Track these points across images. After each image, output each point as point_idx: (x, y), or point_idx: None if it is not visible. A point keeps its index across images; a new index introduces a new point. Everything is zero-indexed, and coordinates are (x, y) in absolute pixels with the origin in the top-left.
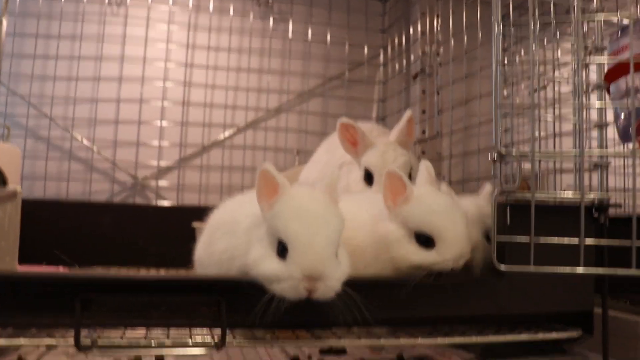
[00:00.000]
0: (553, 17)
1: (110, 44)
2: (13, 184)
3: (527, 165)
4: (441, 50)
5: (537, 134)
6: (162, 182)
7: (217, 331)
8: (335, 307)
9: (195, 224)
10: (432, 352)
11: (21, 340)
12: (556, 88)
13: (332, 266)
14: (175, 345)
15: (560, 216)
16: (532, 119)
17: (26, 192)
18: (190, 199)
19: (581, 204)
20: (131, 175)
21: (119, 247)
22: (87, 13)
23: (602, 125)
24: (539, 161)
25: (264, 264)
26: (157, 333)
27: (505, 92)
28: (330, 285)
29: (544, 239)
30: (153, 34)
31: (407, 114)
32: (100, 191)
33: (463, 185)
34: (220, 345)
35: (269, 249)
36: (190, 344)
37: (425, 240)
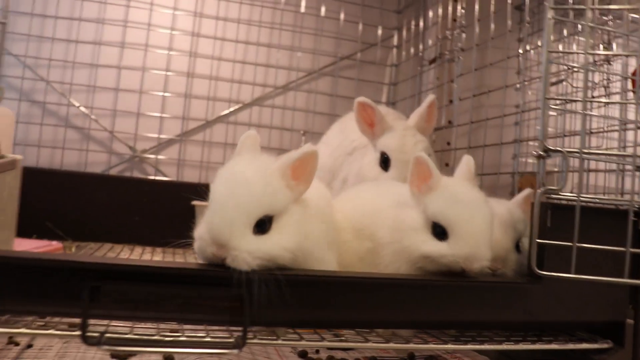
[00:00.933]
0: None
1: (113, 7)
2: (6, 151)
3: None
4: (463, 35)
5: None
6: (162, 156)
7: (235, 327)
8: None
9: (196, 202)
10: (442, 351)
11: (23, 330)
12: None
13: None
14: (190, 344)
15: (599, 220)
16: (583, 114)
17: None
18: (191, 176)
19: (629, 209)
20: (130, 147)
21: (114, 222)
22: None
23: None
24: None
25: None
26: (170, 327)
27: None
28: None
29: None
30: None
31: (430, 98)
32: (96, 162)
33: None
34: (241, 344)
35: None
36: (207, 341)
37: (440, 231)
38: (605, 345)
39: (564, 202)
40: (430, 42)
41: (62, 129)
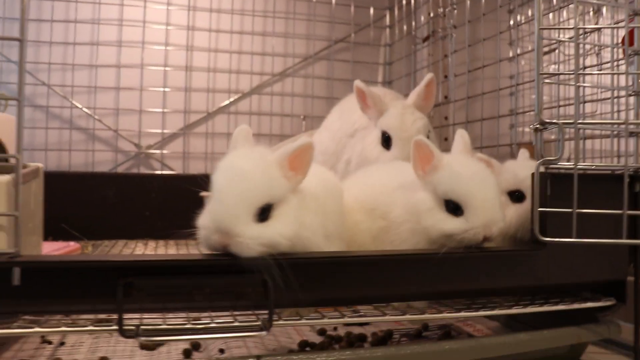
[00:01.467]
0: None
1: (108, 7)
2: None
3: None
4: (455, 12)
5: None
6: (167, 151)
7: (260, 311)
8: None
9: (204, 194)
10: (455, 320)
11: (63, 329)
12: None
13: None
14: (222, 329)
15: (597, 185)
16: (575, 86)
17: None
18: (196, 167)
19: (624, 173)
20: (135, 144)
21: (125, 219)
22: None
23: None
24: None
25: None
26: (200, 315)
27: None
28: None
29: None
30: None
31: (428, 76)
32: (103, 161)
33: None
34: (268, 326)
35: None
36: (236, 325)
37: (454, 207)
38: (608, 303)
39: (562, 170)
40: (422, 19)
41: (67, 131)
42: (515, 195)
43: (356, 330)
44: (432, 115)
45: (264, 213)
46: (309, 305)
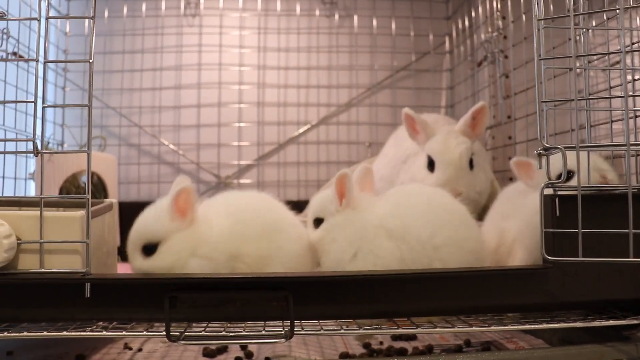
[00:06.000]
0: None
1: (188, 54)
2: (112, 190)
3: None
4: (510, 29)
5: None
6: (244, 180)
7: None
8: None
9: None
10: (499, 337)
11: (123, 333)
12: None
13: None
14: (250, 336)
15: (610, 205)
16: (576, 110)
17: (123, 195)
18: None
19: (629, 193)
20: (214, 175)
21: None
22: (166, 26)
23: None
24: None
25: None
26: (236, 325)
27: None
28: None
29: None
30: (226, 40)
31: (478, 105)
32: None
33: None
34: (289, 335)
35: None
36: (263, 334)
37: None
38: (634, 322)
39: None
40: (476, 43)
41: (156, 165)
42: None
43: (399, 344)
44: (494, 137)
45: (148, 249)
46: (330, 318)
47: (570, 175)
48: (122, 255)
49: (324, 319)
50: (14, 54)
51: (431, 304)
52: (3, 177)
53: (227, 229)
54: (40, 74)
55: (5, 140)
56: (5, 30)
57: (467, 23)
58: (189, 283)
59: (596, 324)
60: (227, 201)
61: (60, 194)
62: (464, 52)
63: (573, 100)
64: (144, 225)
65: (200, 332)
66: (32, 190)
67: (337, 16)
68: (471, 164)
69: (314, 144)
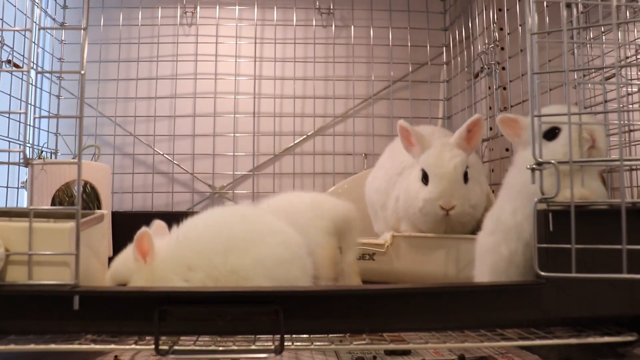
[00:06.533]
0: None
1: (184, 63)
2: (106, 199)
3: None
4: (507, 40)
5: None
6: (238, 190)
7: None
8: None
9: None
10: (494, 352)
11: (112, 346)
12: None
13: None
14: (240, 351)
15: (605, 220)
16: (569, 125)
17: (117, 204)
18: None
19: (622, 208)
20: (209, 185)
21: None
22: (162, 35)
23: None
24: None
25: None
26: (226, 339)
27: None
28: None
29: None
30: (222, 50)
31: (473, 118)
32: (181, 202)
33: None
34: (279, 350)
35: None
36: (253, 348)
37: None
38: (629, 338)
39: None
40: (473, 56)
41: (150, 175)
42: None
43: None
44: (491, 149)
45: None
46: (321, 332)
47: (556, 131)
48: None
49: (314, 334)
50: (9, 61)
51: (423, 319)
52: None
53: (170, 255)
54: (32, 84)
55: None
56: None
57: (464, 34)
58: (178, 296)
59: (590, 340)
60: (185, 224)
61: (52, 202)
62: (461, 63)
63: (566, 114)
64: (114, 268)
65: (190, 346)
66: (24, 199)
67: (333, 26)
68: (466, 177)
69: (310, 155)
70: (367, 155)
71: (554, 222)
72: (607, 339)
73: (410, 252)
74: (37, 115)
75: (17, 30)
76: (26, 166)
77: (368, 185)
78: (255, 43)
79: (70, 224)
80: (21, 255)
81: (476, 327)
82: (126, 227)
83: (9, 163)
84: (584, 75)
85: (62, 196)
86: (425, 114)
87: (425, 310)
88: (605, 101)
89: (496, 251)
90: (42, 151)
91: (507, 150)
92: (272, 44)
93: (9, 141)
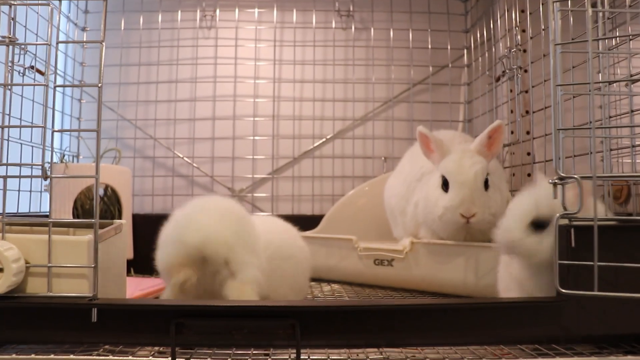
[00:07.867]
0: None
1: (204, 66)
2: (125, 208)
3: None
4: (530, 44)
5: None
6: (258, 194)
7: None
8: None
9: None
10: None
11: (129, 357)
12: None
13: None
14: None
15: (630, 236)
16: (592, 138)
17: (137, 207)
18: (284, 209)
19: None
20: (228, 188)
21: None
22: (182, 39)
23: None
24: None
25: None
26: (242, 351)
27: None
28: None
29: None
30: (242, 53)
31: (494, 124)
32: None
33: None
34: None
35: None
36: None
37: None
38: None
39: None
40: (495, 59)
41: (170, 178)
42: None
43: None
44: (513, 153)
45: None
46: (337, 347)
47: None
48: (135, 268)
49: (331, 348)
50: (32, 67)
51: (440, 335)
52: (19, 191)
53: None
54: (50, 99)
55: (12, 164)
56: (23, 47)
57: (485, 36)
58: (195, 310)
59: (612, 358)
60: None
61: (74, 206)
62: (482, 65)
63: (590, 128)
64: None
65: (206, 359)
66: (46, 204)
67: (353, 29)
68: (486, 185)
69: (329, 158)
70: (386, 158)
71: (575, 239)
72: (630, 357)
73: (429, 259)
74: (56, 129)
75: (36, 45)
76: (45, 180)
77: (387, 190)
78: (275, 45)
79: (89, 237)
80: (41, 267)
81: (496, 343)
82: (147, 229)
83: (31, 176)
84: (609, 84)
85: (84, 199)
86: (446, 117)
87: (443, 325)
88: (632, 111)
89: (510, 264)
90: (64, 155)
91: (528, 154)
92: (292, 47)
93: (32, 146)
